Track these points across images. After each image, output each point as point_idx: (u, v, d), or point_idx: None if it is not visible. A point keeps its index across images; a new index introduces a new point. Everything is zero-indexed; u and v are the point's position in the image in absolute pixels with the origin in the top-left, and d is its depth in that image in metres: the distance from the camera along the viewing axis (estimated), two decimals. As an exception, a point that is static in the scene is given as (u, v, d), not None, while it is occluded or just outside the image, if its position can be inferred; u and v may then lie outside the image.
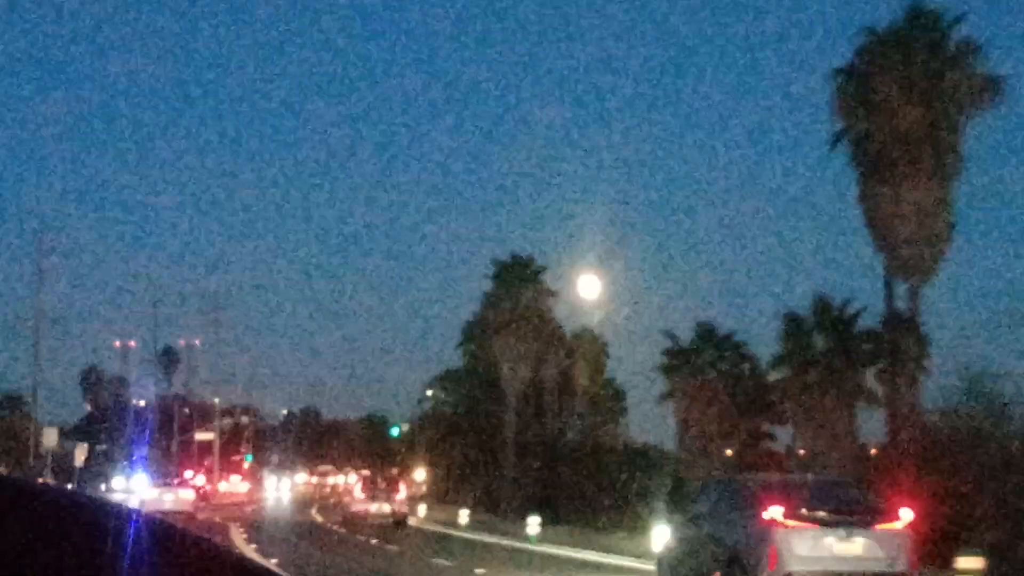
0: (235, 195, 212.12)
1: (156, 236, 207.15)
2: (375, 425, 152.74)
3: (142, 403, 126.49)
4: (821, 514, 22.40)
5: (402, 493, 65.15)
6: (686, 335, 53.49)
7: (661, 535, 27.35)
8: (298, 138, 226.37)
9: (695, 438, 47.02)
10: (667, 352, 53.08)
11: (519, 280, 71.72)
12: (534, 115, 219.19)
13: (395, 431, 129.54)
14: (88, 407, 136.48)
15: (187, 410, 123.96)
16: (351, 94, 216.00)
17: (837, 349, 42.86)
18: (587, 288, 58.22)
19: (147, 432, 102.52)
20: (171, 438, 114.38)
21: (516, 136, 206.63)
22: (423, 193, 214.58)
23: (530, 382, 70.16)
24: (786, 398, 44.59)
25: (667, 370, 52.39)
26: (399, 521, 60.45)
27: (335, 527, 58.77)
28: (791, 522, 21.95)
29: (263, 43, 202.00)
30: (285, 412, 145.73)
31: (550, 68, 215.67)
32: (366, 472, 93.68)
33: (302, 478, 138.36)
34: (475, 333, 77.08)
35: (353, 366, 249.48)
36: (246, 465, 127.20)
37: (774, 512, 21.97)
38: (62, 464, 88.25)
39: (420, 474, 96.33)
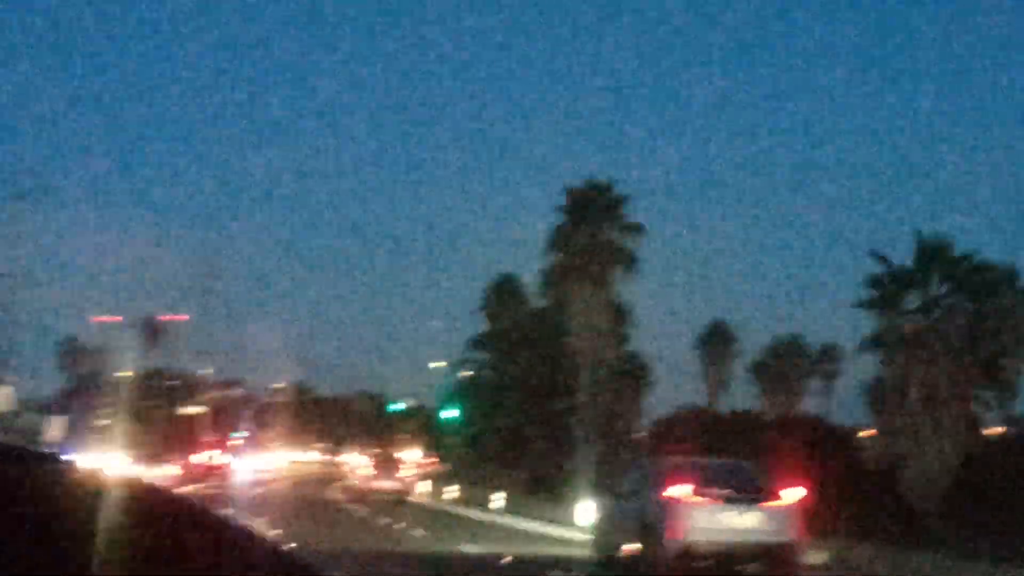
0: (236, 164, 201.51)
1: (148, 200, 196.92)
2: (372, 401, 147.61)
3: (125, 373, 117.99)
4: (718, 492, 25.36)
5: (403, 471, 68.65)
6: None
7: (586, 510, 34.23)
8: (301, 103, 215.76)
9: (918, 402, 33.67)
10: (875, 279, 39.03)
11: (595, 212, 58.75)
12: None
13: (392, 407, 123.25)
14: (66, 380, 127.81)
15: (174, 382, 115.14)
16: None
17: None
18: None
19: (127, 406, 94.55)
20: (154, 411, 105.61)
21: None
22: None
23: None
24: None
25: (875, 304, 38.51)
26: (400, 499, 62.57)
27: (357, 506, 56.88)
28: (693, 498, 25.08)
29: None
30: (276, 386, 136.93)
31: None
32: (376, 450, 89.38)
33: (310, 455, 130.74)
34: (544, 280, 63.85)
35: (346, 342, 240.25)
36: (239, 442, 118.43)
37: (678, 490, 25.21)
38: (30, 439, 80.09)
39: (415, 453, 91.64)
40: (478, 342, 71.47)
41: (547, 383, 61.27)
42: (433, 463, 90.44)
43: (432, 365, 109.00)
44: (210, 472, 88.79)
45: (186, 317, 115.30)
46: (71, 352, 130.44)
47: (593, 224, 58.05)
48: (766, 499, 25.67)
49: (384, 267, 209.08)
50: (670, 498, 25.27)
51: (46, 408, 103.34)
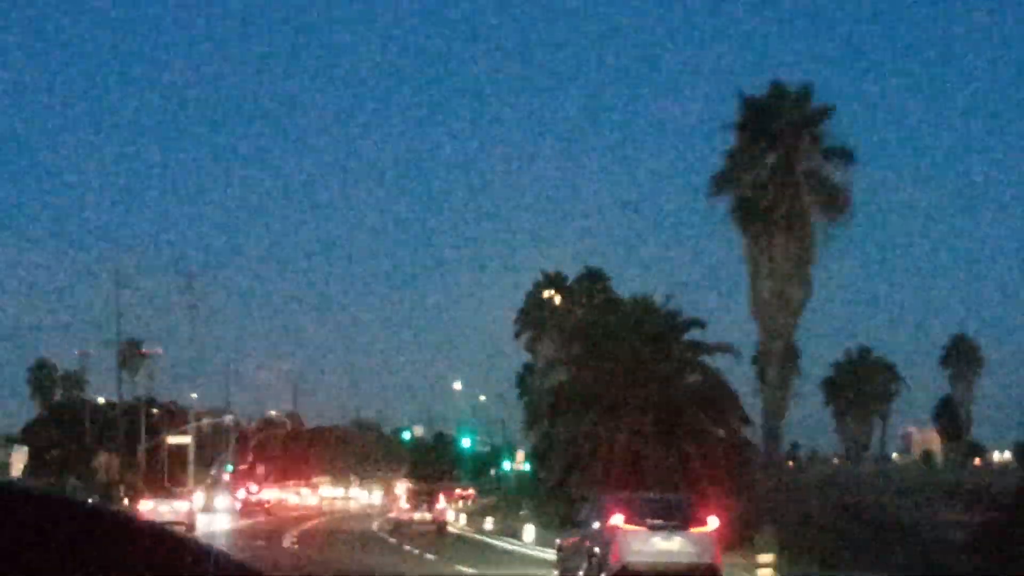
0: (225, 178, 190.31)
1: (128, 219, 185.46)
2: (364, 430, 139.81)
3: (101, 400, 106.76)
4: (649, 521, 29.70)
5: (441, 503, 69.85)
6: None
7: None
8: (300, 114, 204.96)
9: None
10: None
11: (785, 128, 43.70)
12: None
13: (407, 436, 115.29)
14: (37, 408, 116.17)
15: (155, 411, 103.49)
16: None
17: None
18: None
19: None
20: (136, 442, 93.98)
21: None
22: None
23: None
24: None
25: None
26: (440, 528, 66.24)
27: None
28: (628, 526, 29.51)
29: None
30: (272, 414, 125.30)
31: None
32: (410, 484, 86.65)
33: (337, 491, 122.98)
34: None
35: (332, 371, 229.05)
36: (226, 476, 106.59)
37: (616, 519, 29.69)
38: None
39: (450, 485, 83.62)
40: (572, 335, 57.67)
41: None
42: (469, 495, 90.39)
43: (457, 387, 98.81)
44: (259, 507, 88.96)
45: (160, 351, 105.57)
46: (45, 380, 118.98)
47: (783, 145, 43.55)
48: (691, 525, 29.77)
49: (371, 289, 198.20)
50: (613, 526, 29.50)
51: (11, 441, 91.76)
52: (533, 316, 73.17)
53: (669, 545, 29.31)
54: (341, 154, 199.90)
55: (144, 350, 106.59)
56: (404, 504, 70.69)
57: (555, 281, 69.85)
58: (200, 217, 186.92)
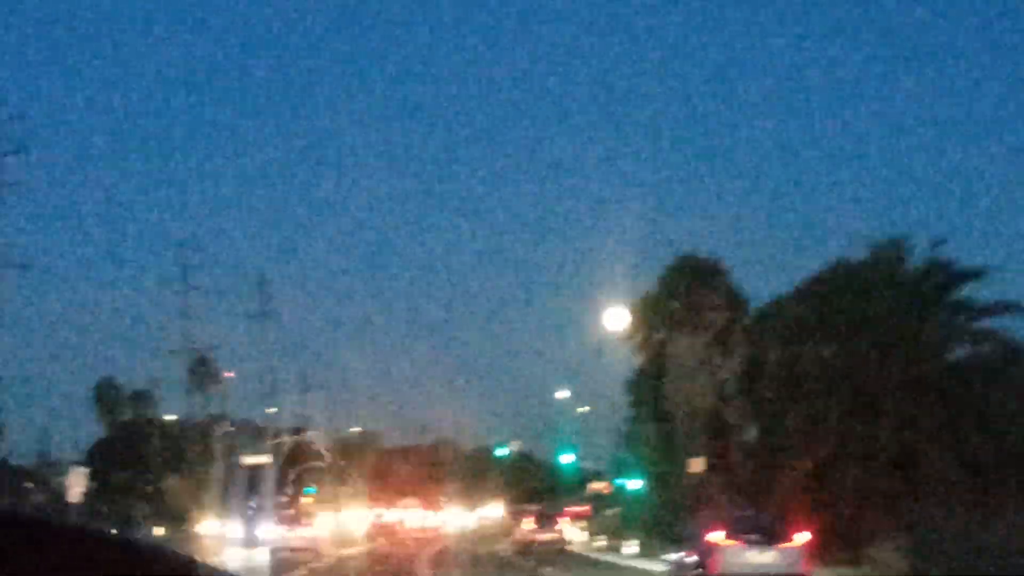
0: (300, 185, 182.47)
1: (198, 229, 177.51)
2: (442, 449, 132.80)
3: (169, 418, 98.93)
4: (744, 537, 32.96)
5: (559, 523, 74.55)
6: None
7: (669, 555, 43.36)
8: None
9: None
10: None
11: None
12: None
13: (502, 452, 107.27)
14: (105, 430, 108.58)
15: (230, 429, 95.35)
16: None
17: None
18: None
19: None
20: (208, 463, 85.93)
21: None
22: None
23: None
24: None
25: None
26: (560, 549, 69.01)
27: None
28: (726, 542, 32.91)
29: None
30: (353, 430, 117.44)
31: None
32: (534, 507, 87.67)
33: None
34: None
35: (412, 388, 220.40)
36: (308, 499, 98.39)
37: (715, 536, 33.28)
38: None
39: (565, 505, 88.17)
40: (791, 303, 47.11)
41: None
42: (585, 512, 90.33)
43: (559, 395, 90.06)
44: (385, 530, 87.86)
45: (232, 374, 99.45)
46: (109, 398, 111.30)
47: None
48: (782, 541, 32.96)
49: (449, 305, 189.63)
50: (710, 542, 33.21)
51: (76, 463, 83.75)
52: (653, 312, 63.98)
53: (762, 558, 32.69)
54: (426, 169, 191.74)
55: (218, 371, 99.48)
56: (529, 525, 75.18)
57: (691, 267, 60.23)
58: (277, 227, 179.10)
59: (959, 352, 40.00)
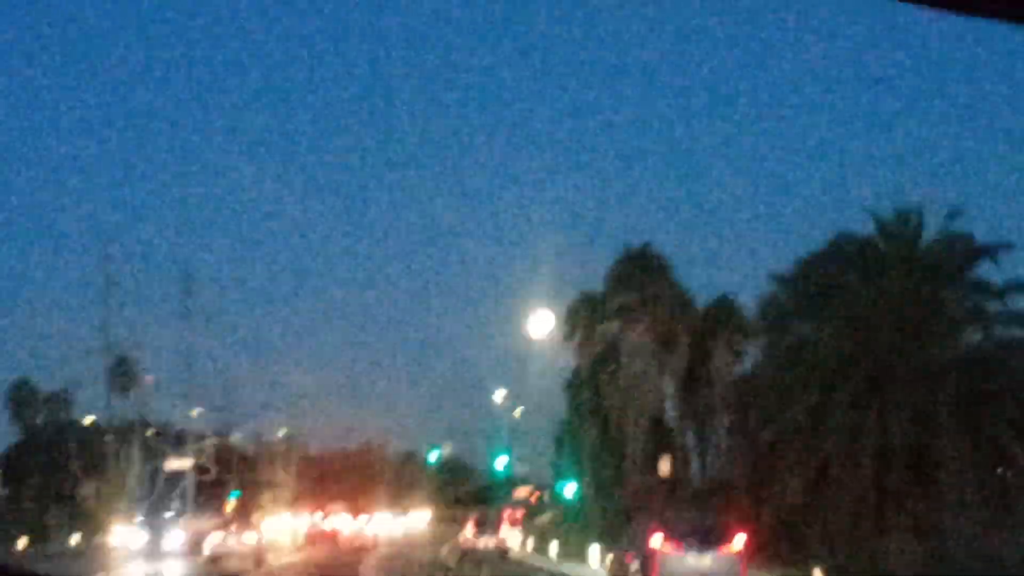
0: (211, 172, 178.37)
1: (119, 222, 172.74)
2: (371, 452, 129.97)
3: (87, 421, 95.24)
4: (683, 540, 34.31)
5: (503, 530, 73.13)
6: None
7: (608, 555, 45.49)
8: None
9: None
10: None
11: None
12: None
13: (433, 456, 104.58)
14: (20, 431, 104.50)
15: (149, 432, 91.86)
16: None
17: None
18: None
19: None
20: (127, 468, 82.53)
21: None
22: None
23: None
24: None
25: None
26: (502, 553, 68.78)
27: None
28: (666, 545, 34.26)
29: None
30: (281, 433, 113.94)
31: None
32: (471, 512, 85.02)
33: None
34: None
35: (335, 390, 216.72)
36: (230, 505, 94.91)
37: (656, 539, 34.53)
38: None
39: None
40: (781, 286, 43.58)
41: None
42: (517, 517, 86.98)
43: (496, 396, 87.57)
44: (326, 537, 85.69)
45: (151, 378, 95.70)
46: (23, 400, 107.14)
47: None
48: (720, 544, 34.17)
49: (373, 304, 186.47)
50: (651, 546, 34.33)
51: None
52: (598, 307, 61.80)
53: (702, 562, 33.61)
54: (351, 151, 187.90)
55: (139, 373, 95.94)
56: (469, 533, 74.19)
57: (642, 260, 58.02)
58: (199, 222, 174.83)
59: (977, 336, 37.32)
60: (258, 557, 58.16)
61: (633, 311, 55.17)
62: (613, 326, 58.59)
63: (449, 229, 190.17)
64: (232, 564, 56.20)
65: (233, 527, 62.96)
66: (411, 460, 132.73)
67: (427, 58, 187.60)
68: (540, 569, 57.12)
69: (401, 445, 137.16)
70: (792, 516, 37.91)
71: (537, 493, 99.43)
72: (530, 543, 72.44)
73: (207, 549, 59.61)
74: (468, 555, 66.56)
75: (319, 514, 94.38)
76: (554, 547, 62.87)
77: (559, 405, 79.78)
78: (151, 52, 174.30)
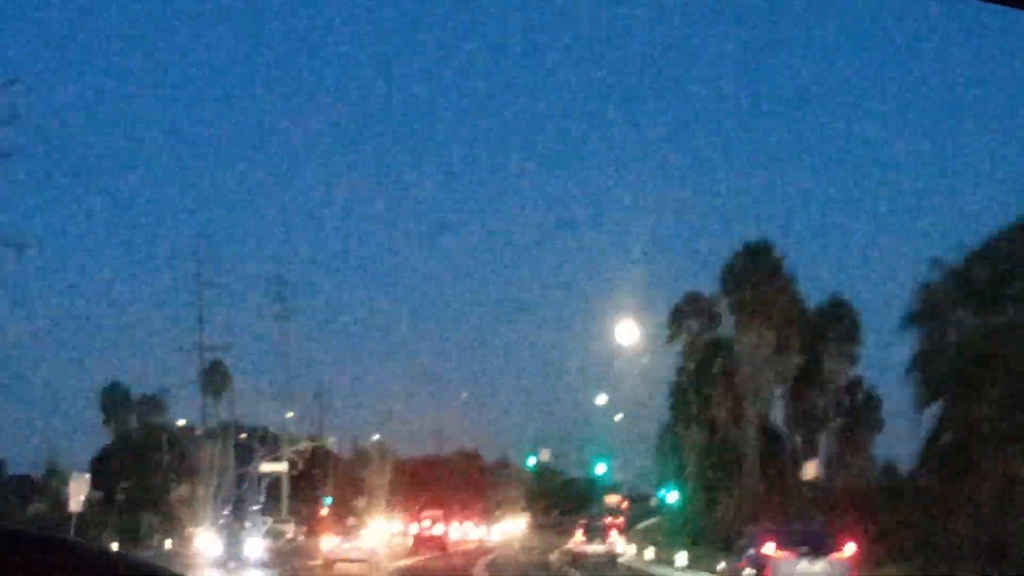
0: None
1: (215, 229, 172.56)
2: (465, 459, 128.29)
3: (181, 423, 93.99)
4: (795, 548, 35.42)
5: (612, 535, 72.77)
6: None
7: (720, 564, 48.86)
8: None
9: None
10: None
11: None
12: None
13: (531, 462, 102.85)
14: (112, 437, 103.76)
15: (242, 436, 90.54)
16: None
17: None
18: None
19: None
20: (222, 472, 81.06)
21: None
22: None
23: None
24: None
25: None
26: (612, 561, 68.67)
27: None
28: (778, 553, 35.45)
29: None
30: (375, 439, 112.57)
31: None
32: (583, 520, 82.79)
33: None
34: None
35: (431, 397, 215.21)
36: (324, 510, 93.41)
37: (768, 547, 35.81)
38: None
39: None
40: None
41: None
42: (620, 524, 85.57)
43: (598, 401, 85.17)
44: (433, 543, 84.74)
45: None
46: (118, 404, 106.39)
47: None
48: (831, 552, 35.40)
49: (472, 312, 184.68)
50: (766, 553, 35.51)
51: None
52: (710, 306, 59.05)
53: (812, 568, 34.75)
54: (455, 173, 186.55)
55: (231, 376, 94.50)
56: (579, 537, 75.18)
57: (758, 252, 55.13)
58: (296, 229, 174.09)
59: None
60: (372, 562, 57.05)
61: (750, 310, 52.31)
62: (725, 326, 55.86)
63: (548, 230, 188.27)
64: (353, 569, 55.46)
65: (354, 532, 61.69)
66: (505, 467, 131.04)
67: (535, 61, 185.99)
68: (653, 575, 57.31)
69: (494, 452, 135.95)
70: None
71: (627, 502, 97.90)
72: (650, 552, 72.57)
73: (324, 549, 58.62)
74: (579, 560, 66.91)
75: (426, 520, 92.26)
76: (683, 557, 62.69)
77: (655, 412, 77.32)
78: (243, 60, 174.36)
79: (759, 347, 54.05)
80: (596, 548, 70.56)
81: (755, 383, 55.23)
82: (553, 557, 75.59)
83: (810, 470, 55.62)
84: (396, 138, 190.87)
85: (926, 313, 41.27)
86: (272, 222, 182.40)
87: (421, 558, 72.53)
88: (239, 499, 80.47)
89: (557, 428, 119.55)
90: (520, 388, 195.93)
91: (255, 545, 64.82)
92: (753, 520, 50.68)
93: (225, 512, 75.84)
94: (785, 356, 57.14)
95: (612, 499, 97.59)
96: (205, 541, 66.87)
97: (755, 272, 54.43)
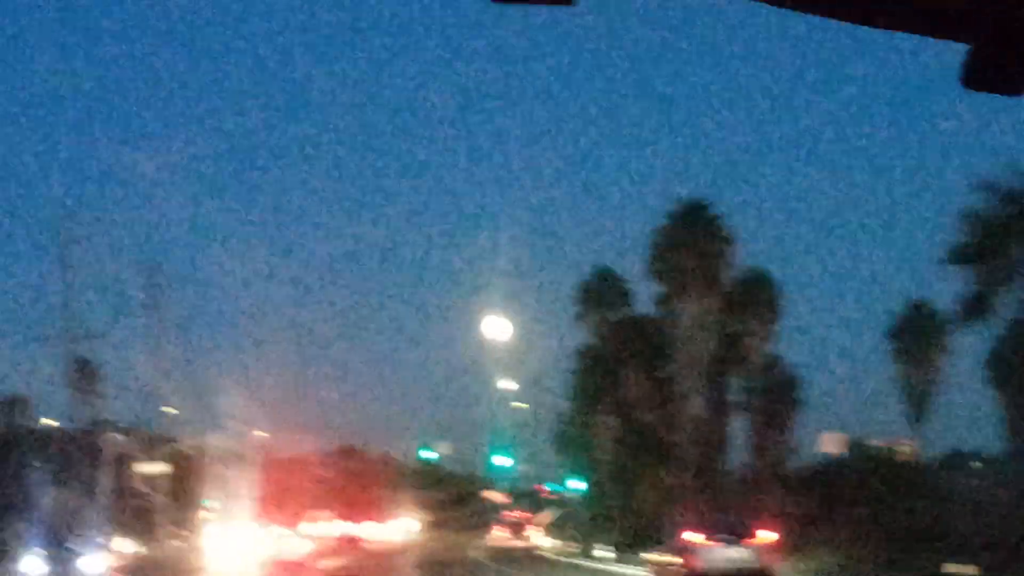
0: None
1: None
2: (349, 455, 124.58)
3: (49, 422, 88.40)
4: (715, 535, 37.12)
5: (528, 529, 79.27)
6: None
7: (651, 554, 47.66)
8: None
9: None
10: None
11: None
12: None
13: (426, 453, 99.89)
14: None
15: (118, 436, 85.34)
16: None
17: None
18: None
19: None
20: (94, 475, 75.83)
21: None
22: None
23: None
24: None
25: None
26: (530, 554, 71.39)
27: None
28: (700, 541, 37.18)
29: None
30: (257, 434, 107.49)
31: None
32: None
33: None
34: None
35: (308, 390, 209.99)
36: (204, 511, 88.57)
37: (691, 536, 37.73)
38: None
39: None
40: None
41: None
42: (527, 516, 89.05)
43: (502, 386, 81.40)
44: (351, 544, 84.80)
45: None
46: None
47: None
48: (748, 538, 36.89)
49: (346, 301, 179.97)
50: (688, 541, 37.57)
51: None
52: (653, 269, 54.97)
53: (732, 554, 36.47)
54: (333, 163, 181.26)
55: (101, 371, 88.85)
56: (498, 533, 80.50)
57: (694, 212, 50.83)
58: (166, 217, 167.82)
59: None
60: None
61: (687, 278, 48.60)
62: (645, 303, 52.09)
63: (423, 220, 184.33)
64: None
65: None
66: (387, 463, 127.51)
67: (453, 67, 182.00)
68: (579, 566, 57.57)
69: (377, 447, 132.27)
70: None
71: (507, 499, 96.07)
72: (572, 545, 73.14)
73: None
74: (499, 556, 66.85)
75: (319, 521, 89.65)
76: (602, 548, 63.24)
77: (558, 400, 74.39)
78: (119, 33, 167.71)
79: (697, 318, 50.35)
80: (516, 543, 74.69)
81: (689, 359, 51.53)
82: (474, 554, 74.21)
83: (828, 443, 52.45)
84: (279, 119, 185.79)
85: (982, 248, 37.39)
86: (141, 205, 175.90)
87: (341, 561, 68.06)
88: (75, 510, 74.74)
89: (448, 421, 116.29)
90: (407, 382, 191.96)
91: (93, 562, 55.46)
92: (684, 508, 50.56)
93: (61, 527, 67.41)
94: (725, 325, 53.70)
95: (495, 496, 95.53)
96: (28, 563, 53.56)
97: (691, 234, 50.49)
